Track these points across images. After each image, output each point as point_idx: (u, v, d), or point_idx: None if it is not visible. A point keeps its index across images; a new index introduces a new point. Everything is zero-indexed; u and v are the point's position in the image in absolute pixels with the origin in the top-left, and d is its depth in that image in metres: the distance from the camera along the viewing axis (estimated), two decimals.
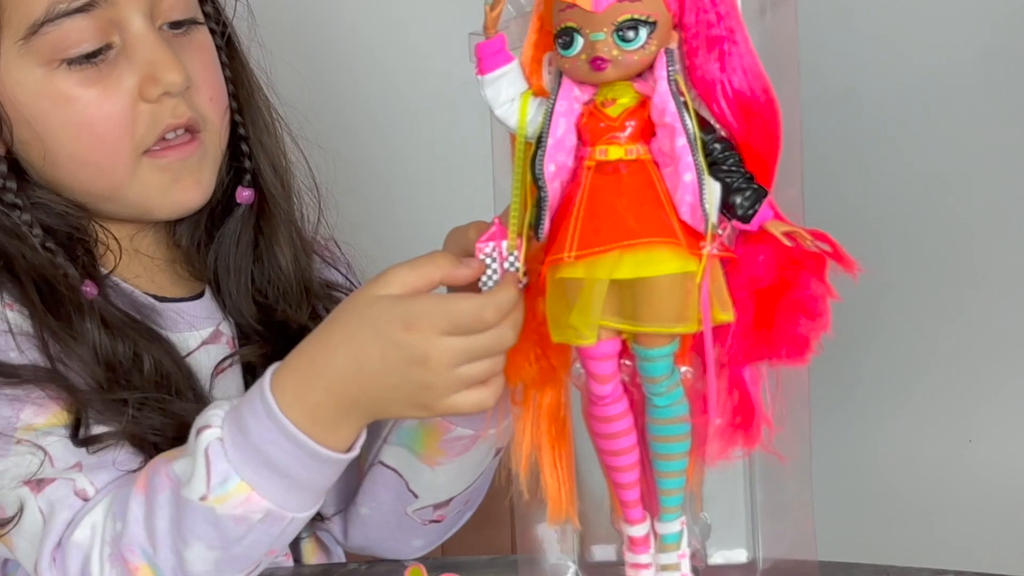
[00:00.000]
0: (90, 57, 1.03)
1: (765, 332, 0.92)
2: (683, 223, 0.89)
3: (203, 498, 0.94)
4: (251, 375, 1.12)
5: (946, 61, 1.56)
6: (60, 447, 1.01)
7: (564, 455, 0.96)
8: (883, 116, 1.58)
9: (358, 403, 0.93)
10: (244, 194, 1.13)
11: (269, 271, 1.13)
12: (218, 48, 1.12)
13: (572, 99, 0.91)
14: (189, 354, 1.09)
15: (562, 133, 0.91)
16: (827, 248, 0.90)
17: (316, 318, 1.04)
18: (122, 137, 1.04)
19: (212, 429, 0.95)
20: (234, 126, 1.12)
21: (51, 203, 1.05)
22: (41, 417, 1.01)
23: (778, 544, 0.96)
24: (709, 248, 0.88)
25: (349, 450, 0.95)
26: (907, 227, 1.58)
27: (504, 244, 0.92)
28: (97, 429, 1.01)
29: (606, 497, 0.97)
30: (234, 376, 1.12)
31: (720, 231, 0.89)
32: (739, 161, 0.90)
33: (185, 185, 1.07)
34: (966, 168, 1.57)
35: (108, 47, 1.04)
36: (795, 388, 0.93)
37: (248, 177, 1.13)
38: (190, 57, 1.07)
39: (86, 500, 1.00)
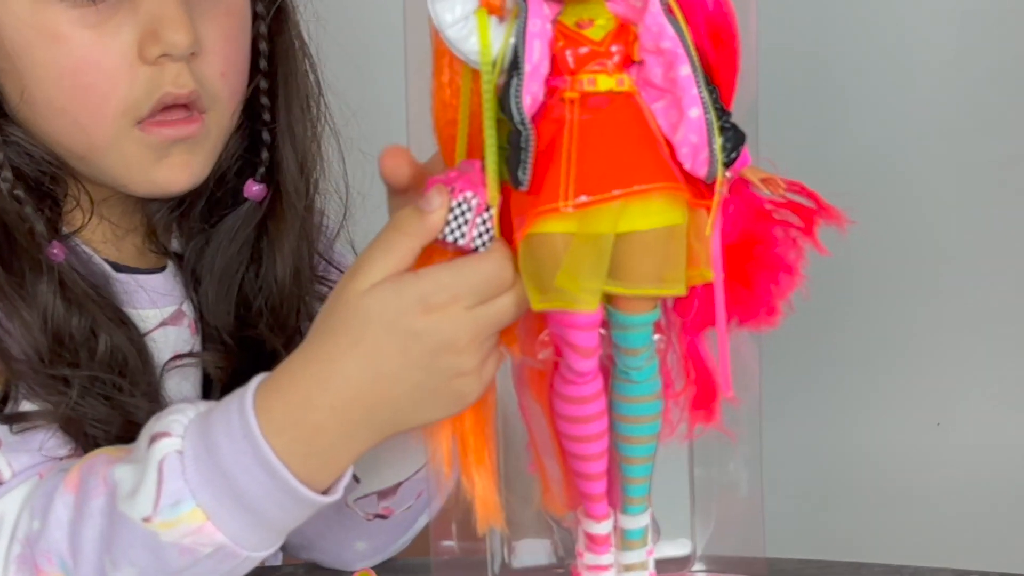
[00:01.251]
0: None
1: (731, 292, 0.82)
2: (679, 166, 0.78)
3: (147, 519, 0.79)
4: (210, 384, 0.98)
5: (915, 40, 1.52)
6: None
7: (490, 445, 0.82)
8: (849, 88, 1.51)
9: (374, 417, 0.79)
10: (254, 189, 0.98)
11: (261, 279, 0.98)
12: (259, 16, 0.96)
13: (544, 17, 0.77)
14: (147, 333, 0.94)
15: (538, 58, 0.77)
16: (807, 201, 0.82)
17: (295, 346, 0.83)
18: (109, 94, 0.90)
19: (171, 439, 0.80)
20: (260, 108, 0.97)
21: (27, 144, 0.92)
22: None
23: (723, 536, 0.86)
24: (720, 195, 0.78)
25: (334, 490, 0.81)
26: (874, 207, 1.52)
27: (477, 194, 0.76)
28: (26, 406, 0.88)
29: (532, 489, 0.84)
30: (191, 376, 0.97)
31: (728, 175, 0.79)
32: (719, 96, 0.80)
33: (172, 165, 0.92)
34: (935, 149, 1.53)
35: None
36: (746, 362, 0.84)
37: (262, 170, 0.97)
38: (209, 21, 0.91)
39: None
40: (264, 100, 0.97)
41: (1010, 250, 1.53)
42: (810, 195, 0.82)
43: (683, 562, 0.86)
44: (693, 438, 0.83)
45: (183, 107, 0.91)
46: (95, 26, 0.89)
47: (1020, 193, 1.52)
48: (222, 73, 0.93)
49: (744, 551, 0.86)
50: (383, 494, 0.98)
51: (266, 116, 0.98)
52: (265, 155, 0.97)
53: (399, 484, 0.97)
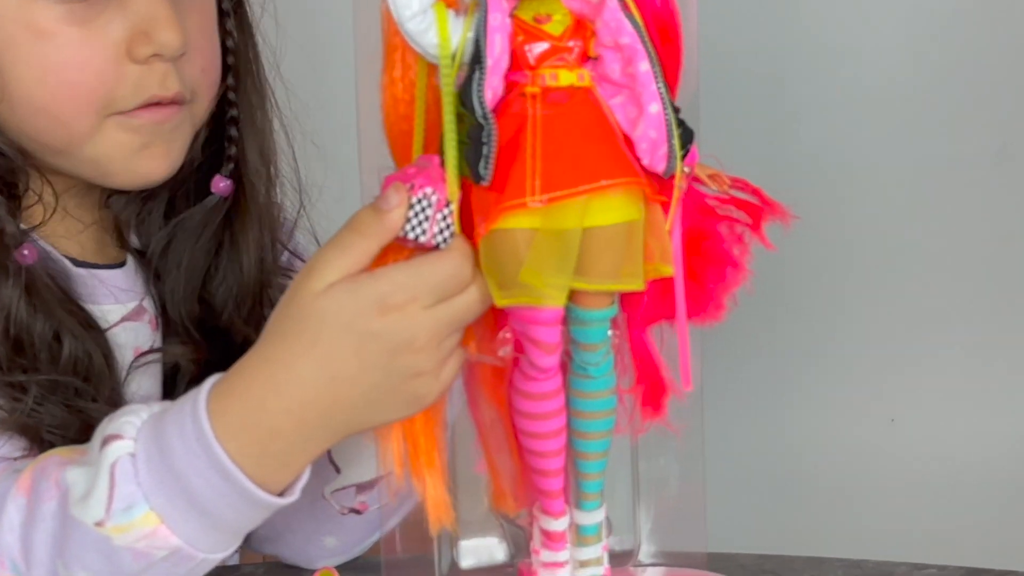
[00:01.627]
0: None
1: (673, 289, 0.83)
2: (637, 161, 0.78)
3: (99, 524, 0.77)
4: (172, 378, 0.95)
5: (858, 39, 1.51)
6: None
7: (440, 446, 0.81)
8: (796, 81, 1.50)
9: (330, 419, 0.77)
10: (221, 184, 0.96)
11: (226, 271, 0.96)
12: (224, 13, 0.95)
13: (503, 11, 0.76)
14: (107, 330, 0.92)
15: (499, 52, 0.76)
16: (750, 197, 0.83)
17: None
18: (94, 92, 0.87)
19: (123, 441, 0.77)
20: (225, 104, 0.96)
21: None
22: None
23: (665, 531, 0.87)
24: (680, 190, 0.78)
25: (291, 491, 0.79)
26: (826, 204, 1.51)
27: (437, 189, 0.75)
28: None
29: (480, 488, 0.83)
30: (153, 372, 0.95)
31: (687, 169, 0.79)
32: (669, 90, 0.80)
33: (154, 153, 0.90)
34: (884, 141, 1.51)
35: None
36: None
37: (231, 166, 0.96)
38: (190, 18, 0.90)
39: None
40: (232, 96, 0.96)
41: (963, 247, 1.55)
42: (754, 191, 0.83)
43: (626, 556, 0.87)
44: (642, 433, 0.83)
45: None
46: (82, 23, 0.86)
47: (971, 190, 1.54)
48: (203, 69, 0.91)
49: (687, 545, 0.87)
50: (362, 487, 0.96)
51: (233, 112, 0.96)
52: (233, 150, 0.96)
53: (379, 478, 0.95)
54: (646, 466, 0.87)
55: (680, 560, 0.87)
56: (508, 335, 0.79)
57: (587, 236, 0.76)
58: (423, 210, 0.75)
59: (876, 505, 1.58)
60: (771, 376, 1.60)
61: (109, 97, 0.88)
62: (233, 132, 0.97)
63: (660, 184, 0.79)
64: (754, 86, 1.55)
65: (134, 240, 0.97)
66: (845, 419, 1.59)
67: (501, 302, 0.76)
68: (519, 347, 0.78)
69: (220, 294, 0.96)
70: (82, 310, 0.91)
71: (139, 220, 0.96)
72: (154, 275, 0.96)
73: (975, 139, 1.55)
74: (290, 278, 0.94)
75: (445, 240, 0.76)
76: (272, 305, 0.80)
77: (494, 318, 0.79)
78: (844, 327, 1.58)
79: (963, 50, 1.55)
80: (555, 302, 0.76)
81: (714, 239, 0.83)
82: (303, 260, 1.00)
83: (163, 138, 0.90)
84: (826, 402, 1.60)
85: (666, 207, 0.79)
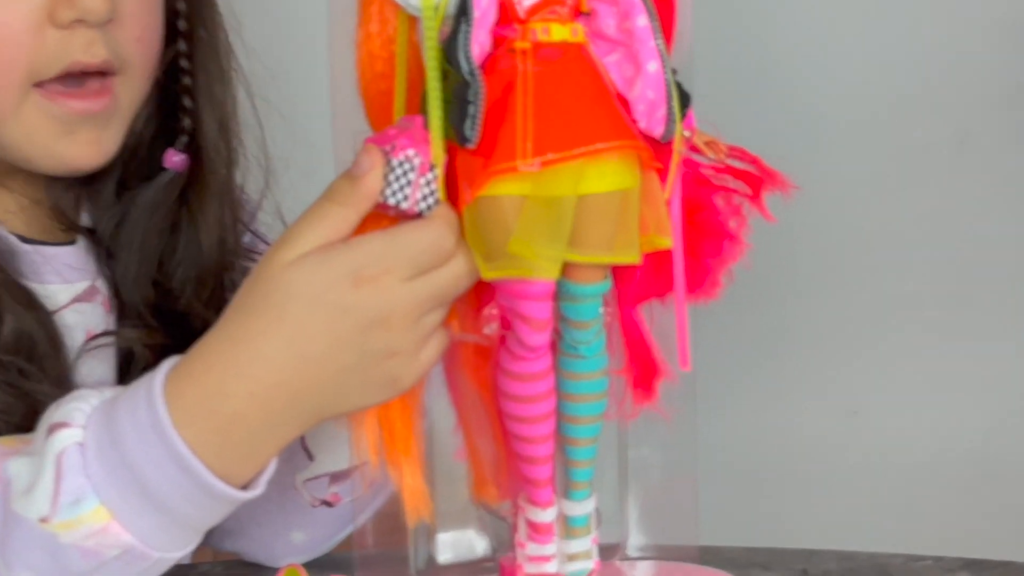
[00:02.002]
0: None
1: (665, 263, 0.77)
2: (635, 123, 0.73)
3: (44, 520, 0.71)
4: (127, 365, 0.88)
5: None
6: None
7: (416, 432, 0.75)
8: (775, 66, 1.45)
9: (298, 403, 0.71)
10: (175, 159, 0.89)
11: (184, 250, 0.89)
12: None
13: None
14: (57, 311, 0.86)
15: (486, 5, 0.71)
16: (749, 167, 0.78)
17: None
18: (14, 59, 0.81)
19: (71, 429, 0.72)
20: (177, 71, 0.89)
21: None
22: None
23: (654, 522, 0.81)
24: (680, 156, 0.73)
25: (255, 484, 0.73)
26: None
27: (420, 152, 0.70)
28: None
29: (458, 477, 0.77)
30: (106, 357, 0.87)
31: (687, 133, 0.74)
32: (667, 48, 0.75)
33: (79, 142, 0.84)
34: (844, 130, 1.47)
35: None
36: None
37: (185, 139, 0.89)
38: None
39: None
40: (184, 63, 0.89)
41: (925, 238, 1.52)
42: (752, 160, 0.78)
43: (612, 550, 0.81)
44: (634, 418, 0.78)
45: (94, 75, 0.83)
46: None
47: (935, 180, 1.51)
48: (137, 38, 0.85)
49: (677, 538, 0.81)
50: (336, 477, 0.90)
51: (187, 80, 0.89)
52: (187, 122, 0.89)
53: (355, 467, 0.89)
54: (634, 454, 0.81)
55: (670, 554, 0.81)
56: (494, 311, 0.73)
57: (580, 204, 0.70)
58: (404, 174, 0.70)
59: (835, 497, 1.54)
60: (729, 368, 1.55)
61: (30, 64, 0.81)
62: (187, 102, 0.90)
63: (656, 149, 0.73)
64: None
65: (85, 218, 0.91)
66: (804, 411, 1.55)
67: (488, 275, 0.71)
68: (506, 324, 0.73)
69: (178, 276, 0.90)
70: (20, 287, 0.85)
71: (91, 197, 0.90)
72: (107, 255, 0.90)
73: (936, 128, 1.52)
74: (254, 260, 0.88)
75: (429, 207, 0.70)
76: (235, 289, 0.73)
77: (479, 293, 0.73)
78: (804, 318, 1.55)
79: (925, 39, 1.51)
80: (547, 274, 0.70)
81: (709, 211, 0.78)
82: (267, 243, 0.94)
83: (91, 126, 0.84)
84: (783, 393, 1.56)
85: (662, 174, 0.74)
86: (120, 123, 0.86)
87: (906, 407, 1.53)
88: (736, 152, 0.78)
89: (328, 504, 0.90)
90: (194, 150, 0.90)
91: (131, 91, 0.86)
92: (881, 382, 1.54)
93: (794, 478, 1.56)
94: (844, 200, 1.55)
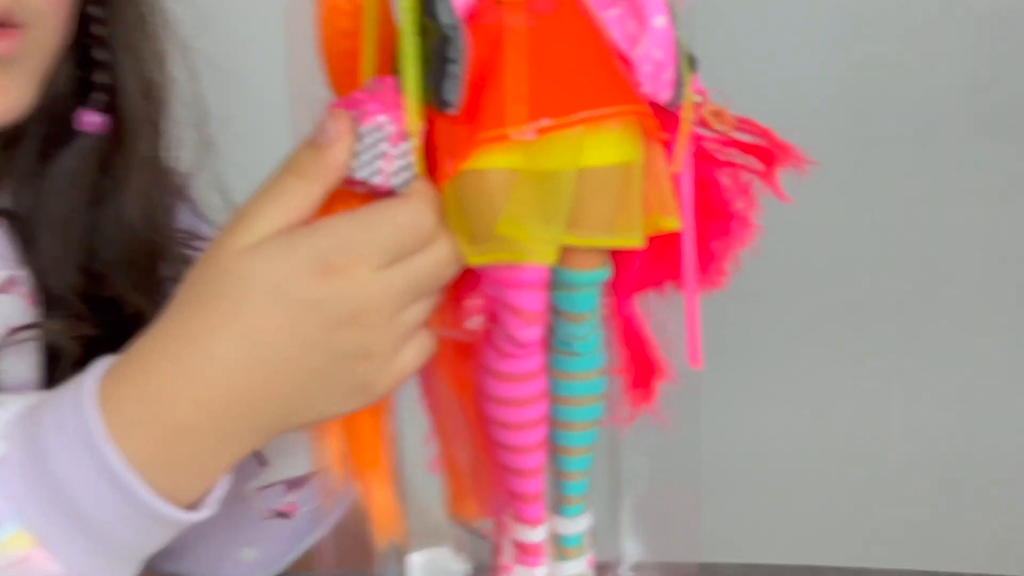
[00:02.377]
0: None
1: (666, 248, 0.69)
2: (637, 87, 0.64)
3: None
4: (54, 363, 0.78)
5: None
6: None
7: (385, 442, 0.66)
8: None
9: (254, 412, 0.61)
10: (90, 119, 0.81)
11: (108, 226, 0.81)
12: None
13: None
14: None
15: None
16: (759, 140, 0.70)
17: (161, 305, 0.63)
18: None
19: None
20: (88, 21, 0.80)
21: None
22: None
23: (651, 538, 0.73)
24: (690, 124, 0.64)
25: (204, 504, 0.64)
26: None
27: (393, 119, 0.60)
28: None
29: (431, 491, 0.69)
30: (28, 355, 0.78)
31: (697, 98, 0.65)
32: None
33: None
34: (801, 126, 1.40)
35: None
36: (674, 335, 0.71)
37: (102, 97, 0.81)
38: None
39: None
40: (96, 9, 0.80)
41: (891, 239, 1.48)
42: (763, 133, 0.70)
43: (604, 568, 0.73)
44: (629, 423, 0.70)
45: None
46: None
47: (903, 178, 1.48)
48: None
49: (676, 555, 0.73)
50: (292, 484, 0.81)
51: (99, 29, 0.80)
52: (103, 77, 0.80)
53: (313, 473, 0.79)
54: (628, 462, 0.72)
55: (669, 572, 0.73)
56: (477, 302, 0.64)
57: (580, 179, 0.61)
58: (375, 144, 0.60)
59: (800, 504, 1.52)
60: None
61: None
62: (101, 54, 0.81)
63: (660, 117, 0.64)
64: None
65: (6, 199, 0.81)
66: (771, 412, 1.53)
67: (473, 260, 0.62)
68: (492, 317, 0.64)
69: (104, 257, 0.81)
70: None
71: (9, 171, 0.80)
72: (28, 240, 0.80)
73: (892, 124, 1.48)
74: (195, 248, 0.79)
75: (404, 182, 0.61)
76: (178, 280, 0.64)
77: (459, 281, 0.64)
78: (771, 322, 1.52)
79: (885, 31, 1.47)
80: (541, 259, 0.61)
81: (714, 189, 0.69)
82: (210, 223, 0.84)
83: None
84: (750, 394, 1.53)
85: (667, 146, 0.65)
86: (30, 73, 0.76)
87: (871, 411, 1.51)
88: (745, 124, 0.69)
89: (283, 516, 0.82)
90: (113, 110, 0.81)
91: (42, 42, 0.76)
92: (849, 382, 1.52)
93: (758, 480, 1.53)
94: (807, 198, 1.52)
